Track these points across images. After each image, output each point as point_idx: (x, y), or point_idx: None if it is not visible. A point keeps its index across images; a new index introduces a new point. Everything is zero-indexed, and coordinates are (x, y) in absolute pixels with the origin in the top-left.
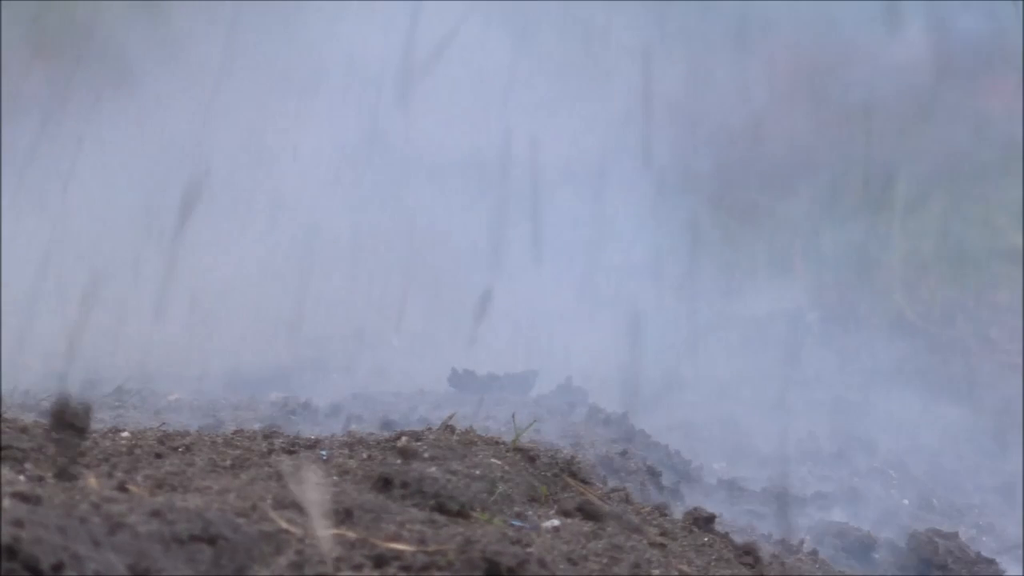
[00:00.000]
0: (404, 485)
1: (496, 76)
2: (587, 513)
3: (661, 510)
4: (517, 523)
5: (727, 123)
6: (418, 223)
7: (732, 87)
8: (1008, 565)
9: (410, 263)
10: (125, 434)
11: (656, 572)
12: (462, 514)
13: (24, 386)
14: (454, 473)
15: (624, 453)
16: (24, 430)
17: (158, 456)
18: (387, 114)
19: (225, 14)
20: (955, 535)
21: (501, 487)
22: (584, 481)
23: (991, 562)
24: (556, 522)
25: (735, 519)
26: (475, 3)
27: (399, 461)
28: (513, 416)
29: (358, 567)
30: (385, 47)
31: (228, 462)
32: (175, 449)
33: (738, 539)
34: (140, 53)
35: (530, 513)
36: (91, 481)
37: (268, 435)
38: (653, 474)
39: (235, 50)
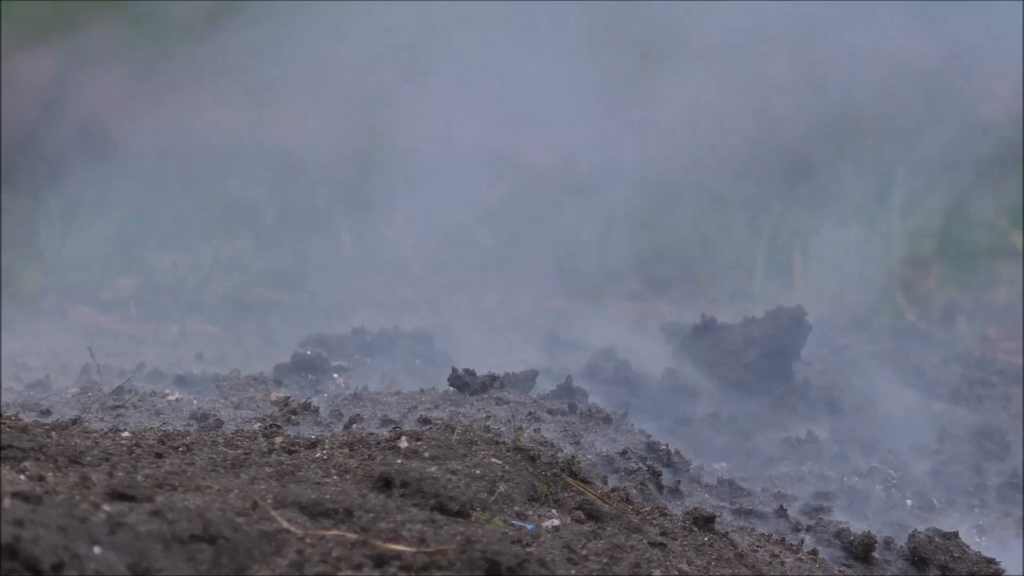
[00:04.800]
0: (404, 485)
1: None
2: (587, 513)
3: (661, 510)
4: (517, 523)
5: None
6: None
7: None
8: (1008, 565)
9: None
10: (125, 434)
11: (656, 572)
12: (462, 514)
13: (19, 387)
14: (454, 473)
15: (624, 453)
16: (24, 430)
17: (158, 456)
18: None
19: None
20: (955, 535)
21: (501, 487)
22: (584, 481)
23: (991, 562)
24: (556, 522)
25: (735, 519)
26: None
27: (399, 461)
28: (513, 416)
29: (358, 567)
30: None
31: (228, 462)
32: (175, 449)
33: (738, 539)
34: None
35: (530, 513)
36: None
37: (268, 435)
38: (653, 474)
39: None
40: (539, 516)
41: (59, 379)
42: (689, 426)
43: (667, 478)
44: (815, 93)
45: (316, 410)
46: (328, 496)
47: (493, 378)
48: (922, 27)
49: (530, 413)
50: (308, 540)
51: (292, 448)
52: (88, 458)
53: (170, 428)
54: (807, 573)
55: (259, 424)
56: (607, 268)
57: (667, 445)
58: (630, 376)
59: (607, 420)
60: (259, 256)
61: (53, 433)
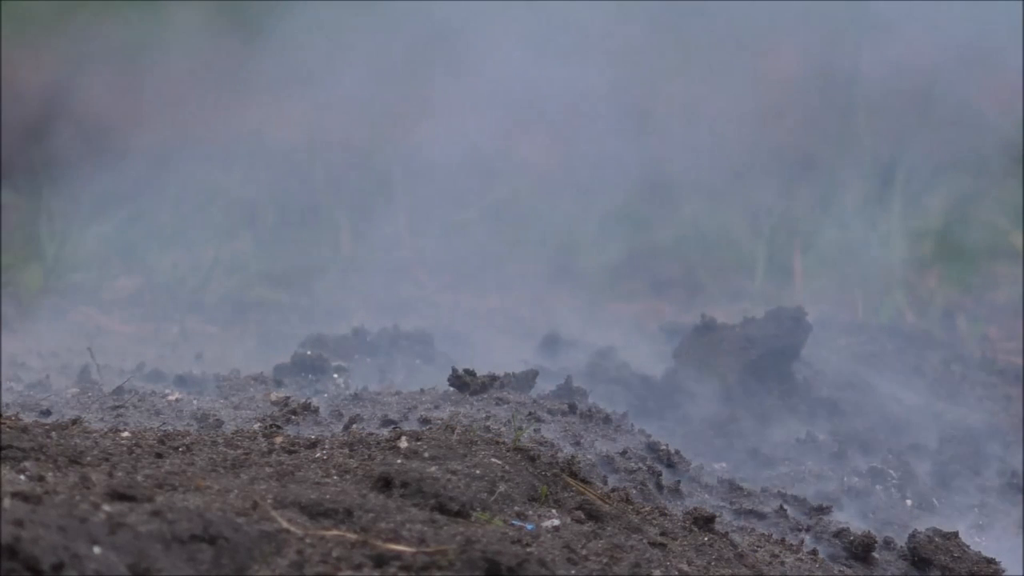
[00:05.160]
0: (404, 485)
1: None
2: (587, 513)
3: (661, 510)
4: (517, 523)
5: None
6: None
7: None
8: (1008, 565)
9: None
10: (125, 434)
11: (656, 572)
12: (462, 514)
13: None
14: (454, 473)
15: (624, 453)
16: (24, 430)
17: (158, 456)
18: None
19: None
20: (955, 535)
21: (501, 487)
22: (584, 481)
23: (991, 562)
24: (556, 522)
25: (735, 519)
26: None
27: (399, 461)
28: (513, 416)
29: (358, 567)
30: None
31: (228, 462)
32: (175, 449)
33: (738, 539)
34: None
35: (530, 513)
36: None
37: (268, 435)
38: (653, 474)
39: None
40: (539, 516)
41: (59, 379)
42: (689, 426)
43: (667, 478)
44: (815, 92)
45: (316, 410)
46: (328, 496)
47: (493, 378)
48: (922, 27)
49: (530, 413)
50: (308, 540)
51: (292, 448)
52: (88, 458)
53: (170, 428)
54: (807, 573)
55: (259, 424)
56: (607, 268)
57: (667, 445)
58: (630, 376)
59: (607, 420)
60: (259, 256)
61: (53, 433)
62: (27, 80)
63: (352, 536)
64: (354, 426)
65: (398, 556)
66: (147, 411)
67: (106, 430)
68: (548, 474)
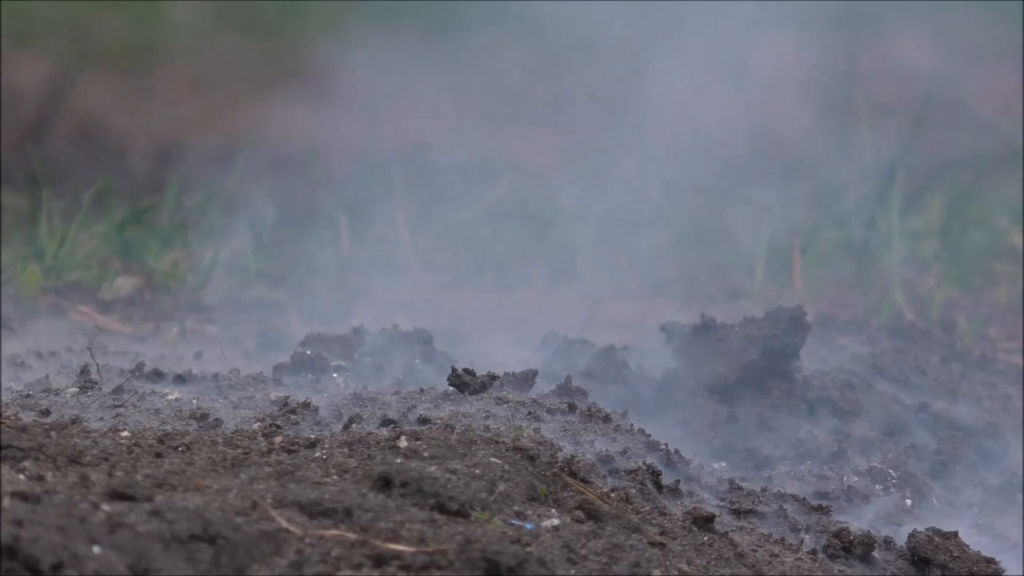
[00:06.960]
0: (404, 485)
1: None
2: (587, 513)
3: (661, 510)
4: (517, 523)
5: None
6: None
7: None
8: (1008, 565)
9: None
10: (125, 434)
11: (656, 572)
12: (462, 514)
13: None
14: (454, 472)
15: (624, 453)
16: (24, 430)
17: (158, 456)
18: None
19: None
20: (955, 535)
21: (501, 487)
22: (584, 481)
23: (991, 562)
24: (556, 522)
25: (735, 519)
26: None
27: (399, 461)
28: (513, 416)
29: (358, 567)
30: None
31: (228, 462)
32: (175, 448)
33: (738, 539)
34: None
35: (530, 513)
36: None
37: (268, 435)
38: (653, 474)
39: None
40: (539, 516)
41: (59, 379)
42: (689, 426)
43: (667, 478)
44: (815, 91)
45: (316, 410)
46: (328, 496)
47: (493, 378)
48: (922, 27)
49: (530, 413)
50: (308, 540)
51: (292, 448)
52: (87, 458)
53: (169, 428)
54: (807, 573)
55: (259, 424)
56: (608, 268)
57: (667, 445)
58: (630, 376)
59: (607, 420)
60: (259, 256)
61: (52, 433)
62: (27, 80)
63: (351, 536)
64: (354, 426)
65: (398, 556)
66: (147, 411)
67: (106, 430)
68: (548, 474)
